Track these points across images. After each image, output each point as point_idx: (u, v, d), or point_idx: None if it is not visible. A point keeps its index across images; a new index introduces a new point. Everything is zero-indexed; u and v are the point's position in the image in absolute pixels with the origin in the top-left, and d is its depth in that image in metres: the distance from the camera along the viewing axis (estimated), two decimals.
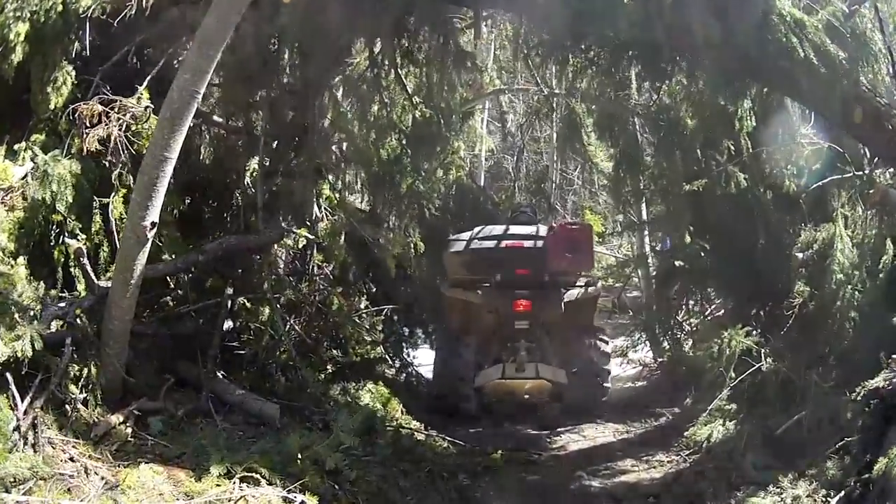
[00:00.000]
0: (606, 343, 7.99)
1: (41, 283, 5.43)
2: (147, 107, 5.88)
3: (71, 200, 5.65)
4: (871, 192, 6.50)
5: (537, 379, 7.50)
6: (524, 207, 8.59)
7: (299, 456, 4.93)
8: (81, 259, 5.37)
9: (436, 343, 8.14)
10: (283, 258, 7.82)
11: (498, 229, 7.60)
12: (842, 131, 6.49)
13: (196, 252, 6.30)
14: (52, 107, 5.88)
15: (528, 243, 7.47)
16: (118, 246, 5.43)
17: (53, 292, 5.53)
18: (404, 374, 8.70)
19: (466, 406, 7.60)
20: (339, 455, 5.11)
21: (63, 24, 5.93)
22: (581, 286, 7.69)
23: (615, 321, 11.84)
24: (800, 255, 6.96)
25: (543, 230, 7.61)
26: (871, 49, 5.36)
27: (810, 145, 7.43)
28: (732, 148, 7.77)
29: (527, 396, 7.74)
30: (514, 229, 7.63)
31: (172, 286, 6.78)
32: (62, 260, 5.65)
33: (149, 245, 5.10)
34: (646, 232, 11.49)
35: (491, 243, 7.44)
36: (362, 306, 7.92)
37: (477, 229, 7.56)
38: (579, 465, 6.83)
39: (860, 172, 6.82)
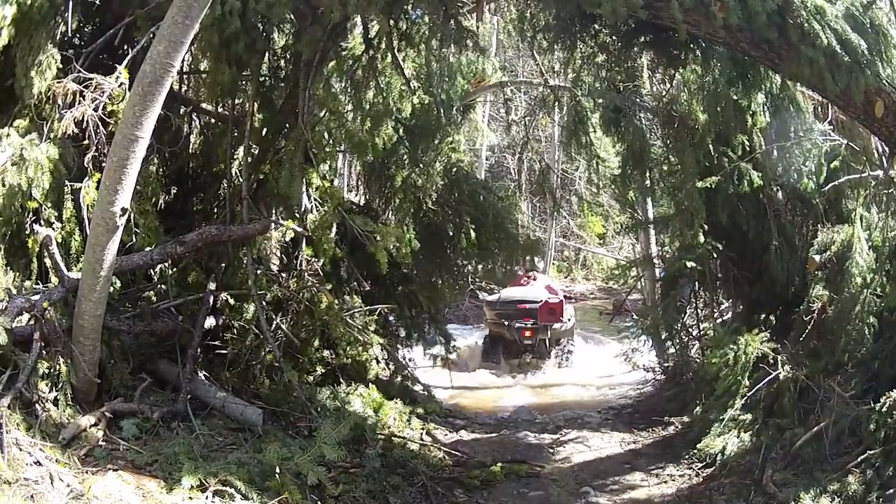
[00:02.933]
0: (573, 347, 13.14)
1: (17, 273, 5.38)
2: (121, 83, 5.55)
3: (47, 187, 5.52)
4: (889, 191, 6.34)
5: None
6: (528, 269, 13.89)
7: (279, 468, 4.62)
8: (50, 248, 5.15)
9: (482, 343, 12.99)
10: (276, 252, 7.54)
11: (515, 293, 12.66)
12: (860, 127, 6.32)
13: (174, 243, 5.97)
14: (35, 91, 5.74)
15: (530, 305, 12.42)
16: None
17: (28, 283, 5.42)
18: (399, 378, 8.39)
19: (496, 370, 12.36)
20: (322, 469, 4.80)
21: (49, 5, 5.79)
22: (561, 322, 12.73)
23: (617, 324, 11.68)
24: (817, 258, 6.72)
25: (541, 294, 12.71)
26: (891, 41, 5.04)
27: (825, 143, 7.24)
28: (746, 144, 7.49)
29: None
30: (524, 295, 12.62)
31: (155, 280, 6.53)
32: (37, 250, 5.47)
33: (119, 233, 4.78)
34: (651, 232, 11.20)
35: (510, 303, 12.48)
36: (355, 305, 7.57)
37: (503, 293, 12.74)
38: (585, 480, 6.54)
39: (877, 172, 6.61)
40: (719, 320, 9.35)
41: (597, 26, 6.32)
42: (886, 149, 6.34)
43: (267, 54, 6.98)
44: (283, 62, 7.46)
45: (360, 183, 11.04)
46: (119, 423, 4.99)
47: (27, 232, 5.47)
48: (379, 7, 5.95)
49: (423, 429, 7.38)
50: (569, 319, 13.01)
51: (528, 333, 12.08)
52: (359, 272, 7.53)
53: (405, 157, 8.22)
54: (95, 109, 5.66)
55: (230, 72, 6.31)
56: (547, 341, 12.44)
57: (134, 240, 6.01)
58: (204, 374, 6.04)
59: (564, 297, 14.16)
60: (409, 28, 6.95)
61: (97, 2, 6.59)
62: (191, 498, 4.23)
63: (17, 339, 4.66)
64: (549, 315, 12.22)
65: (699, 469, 6.41)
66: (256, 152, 7.25)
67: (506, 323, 12.36)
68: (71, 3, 6.09)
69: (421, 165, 8.32)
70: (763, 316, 7.74)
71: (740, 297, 8.75)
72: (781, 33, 5.01)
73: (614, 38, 6.48)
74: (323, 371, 6.89)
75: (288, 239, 7.03)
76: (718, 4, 5.02)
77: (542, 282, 14.06)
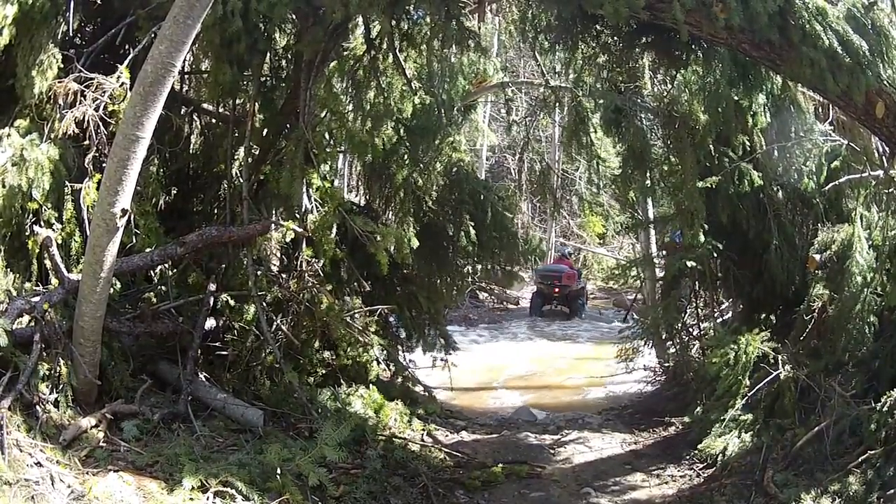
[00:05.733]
0: (586, 299, 20.51)
1: (17, 275, 5.35)
2: (122, 83, 5.55)
3: (48, 187, 5.51)
4: (889, 191, 6.33)
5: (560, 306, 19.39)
6: (566, 247, 22.69)
7: (280, 469, 4.60)
8: (50, 249, 5.16)
9: (531, 295, 19.79)
10: (276, 253, 7.53)
11: (550, 267, 19.22)
12: (861, 128, 6.36)
13: (175, 244, 5.97)
14: (36, 91, 5.73)
15: (557, 273, 18.82)
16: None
17: (28, 285, 5.43)
18: (400, 379, 8.37)
19: (542, 313, 19.23)
20: (323, 470, 4.80)
21: (51, 5, 5.76)
22: (578, 283, 19.81)
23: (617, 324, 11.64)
24: (818, 257, 6.71)
25: (564, 268, 19.18)
26: (892, 42, 5.04)
27: (826, 143, 7.23)
28: (747, 144, 7.48)
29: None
30: (555, 267, 19.21)
31: (156, 282, 6.52)
32: (37, 251, 5.46)
33: (119, 234, 4.77)
34: (651, 231, 11.17)
35: (547, 272, 18.79)
36: (355, 306, 7.55)
37: (543, 267, 18.50)
38: (586, 480, 6.52)
39: (877, 172, 6.61)
40: (720, 320, 9.34)
41: (598, 27, 6.32)
42: (887, 149, 6.35)
43: (268, 54, 6.99)
44: (284, 62, 7.45)
45: (360, 183, 11.02)
46: (120, 424, 4.99)
47: (27, 233, 5.46)
48: (380, 7, 5.95)
49: (423, 430, 7.35)
50: (580, 284, 19.99)
51: (556, 290, 18.83)
52: (359, 273, 7.50)
53: (406, 157, 8.20)
54: (96, 109, 5.67)
55: (231, 72, 6.31)
56: (567, 295, 19.20)
57: (134, 241, 6.01)
58: (204, 376, 6.03)
59: (577, 270, 21.02)
60: (410, 28, 6.94)
61: (98, 1, 6.58)
62: (192, 499, 4.21)
63: (17, 341, 4.66)
64: (567, 279, 18.81)
65: (700, 469, 6.39)
66: (257, 153, 7.26)
67: (544, 283, 19.09)
68: (72, 3, 6.08)
69: (421, 166, 8.30)
70: (763, 315, 7.70)
71: (741, 296, 8.72)
72: (783, 34, 5.01)
73: (616, 38, 6.47)
74: (323, 372, 6.86)
75: (288, 240, 7.01)
76: (720, 5, 5.02)
77: (565, 262, 20.52)
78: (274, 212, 7.40)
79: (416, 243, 7.44)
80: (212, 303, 6.29)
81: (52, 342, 4.83)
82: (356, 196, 12.16)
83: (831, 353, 6.11)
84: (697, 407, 7.12)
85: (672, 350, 9.36)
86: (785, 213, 7.88)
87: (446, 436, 7.74)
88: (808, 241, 7.27)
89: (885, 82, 5.04)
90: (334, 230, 6.73)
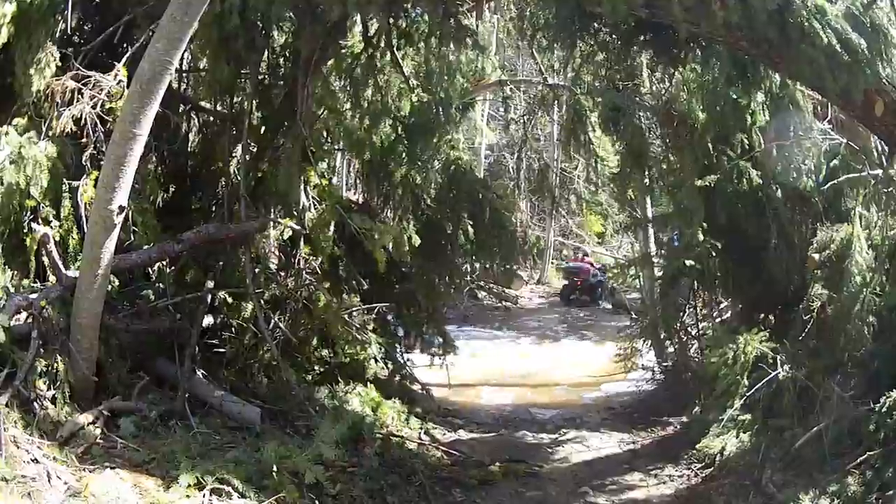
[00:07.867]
0: (603, 290, 22.05)
1: (15, 272, 5.36)
2: (120, 81, 5.54)
3: (46, 185, 5.50)
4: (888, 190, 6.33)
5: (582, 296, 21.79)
6: (584, 252, 24.80)
7: (277, 467, 4.60)
8: (47, 246, 5.12)
9: (562, 286, 22.80)
10: (274, 251, 7.52)
11: (572, 265, 23.11)
12: (860, 126, 6.35)
13: (173, 241, 5.96)
14: (34, 89, 5.72)
15: (577, 269, 22.16)
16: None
17: (26, 282, 5.42)
18: (398, 377, 8.36)
19: (569, 301, 21.90)
20: (320, 468, 4.78)
21: (49, 3, 5.79)
22: (595, 276, 21.89)
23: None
24: (817, 257, 6.68)
25: (583, 265, 22.47)
26: (891, 40, 5.02)
27: (825, 142, 7.21)
28: (745, 142, 7.47)
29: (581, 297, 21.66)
30: (577, 265, 22.57)
31: (154, 279, 6.49)
32: (35, 248, 5.43)
33: (117, 231, 4.78)
34: (650, 230, 11.15)
35: (571, 269, 22.62)
36: (353, 304, 7.55)
37: (567, 264, 23.77)
38: (583, 479, 6.54)
39: (876, 171, 6.59)
40: (718, 320, 9.32)
41: (596, 25, 6.32)
42: (886, 148, 6.33)
43: (266, 52, 6.98)
44: (281, 60, 7.43)
45: (358, 181, 11.02)
46: (117, 421, 4.98)
47: (25, 230, 5.45)
48: (378, 5, 5.95)
49: (421, 428, 7.35)
50: (595, 277, 22.47)
51: (579, 282, 22.05)
52: (357, 271, 7.50)
53: (404, 155, 8.20)
54: (94, 107, 5.66)
55: (229, 70, 6.32)
56: (588, 287, 22.17)
57: (132, 238, 5.99)
58: (202, 373, 6.01)
59: (598, 267, 23.51)
60: (408, 26, 6.95)
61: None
62: (188, 496, 4.21)
63: (15, 337, 4.65)
64: (585, 274, 22.04)
65: (698, 469, 6.39)
66: (255, 150, 7.24)
67: (569, 277, 22.46)
68: (70, 1, 6.07)
69: (419, 164, 8.29)
70: (762, 315, 7.70)
71: (739, 296, 8.71)
72: (782, 32, 5.01)
73: (614, 36, 6.48)
74: (321, 370, 6.87)
75: (286, 237, 7.02)
76: (719, 3, 5.01)
77: (587, 259, 23.68)
78: (272, 209, 7.39)
79: (417, 241, 7.43)
80: (210, 300, 6.29)
81: (49, 339, 4.82)
82: (354, 194, 12.14)
83: (830, 354, 6.09)
84: (696, 407, 7.12)
85: (671, 350, 9.35)
86: (784, 212, 7.86)
87: (444, 434, 7.74)
88: (807, 241, 7.24)
89: (884, 81, 5.05)
90: (332, 228, 6.73)
